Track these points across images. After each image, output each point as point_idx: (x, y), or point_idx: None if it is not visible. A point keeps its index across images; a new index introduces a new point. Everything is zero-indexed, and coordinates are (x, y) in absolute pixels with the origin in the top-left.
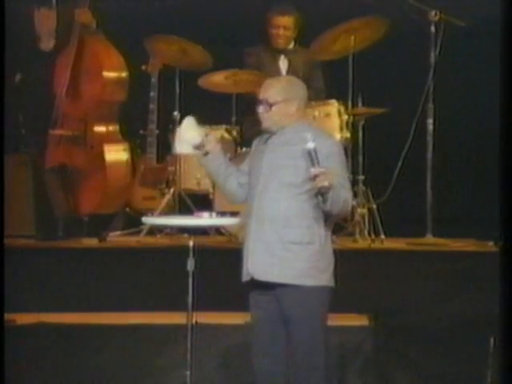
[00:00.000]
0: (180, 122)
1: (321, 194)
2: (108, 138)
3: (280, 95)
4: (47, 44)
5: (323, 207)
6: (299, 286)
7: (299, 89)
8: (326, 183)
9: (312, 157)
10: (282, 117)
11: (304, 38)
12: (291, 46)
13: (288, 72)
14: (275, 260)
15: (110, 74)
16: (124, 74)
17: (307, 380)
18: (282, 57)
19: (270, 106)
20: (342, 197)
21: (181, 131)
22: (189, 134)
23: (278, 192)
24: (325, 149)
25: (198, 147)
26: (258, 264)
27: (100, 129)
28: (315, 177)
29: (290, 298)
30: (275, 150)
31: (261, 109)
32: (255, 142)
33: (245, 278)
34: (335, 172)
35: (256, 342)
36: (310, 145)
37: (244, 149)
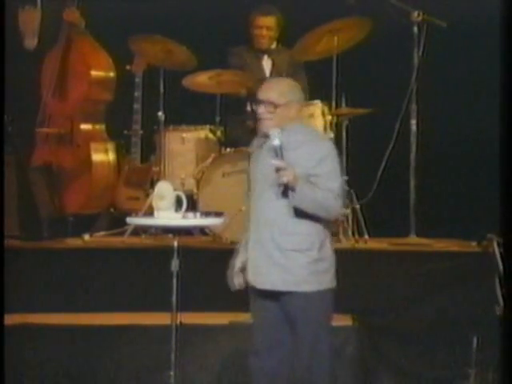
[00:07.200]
0: (165, 122)
1: (288, 188)
2: (94, 137)
3: (285, 97)
4: (31, 42)
5: (292, 202)
6: (301, 293)
7: (299, 91)
8: (284, 179)
9: (277, 153)
10: (283, 119)
11: (287, 38)
12: (274, 46)
13: (271, 72)
14: (275, 268)
15: (97, 74)
16: (111, 74)
17: (312, 381)
18: (266, 57)
19: (275, 107)
20: (314, 199)
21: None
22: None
23: (274, 199)
24: (318, 152)
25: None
26: (258, 272)
27: (86, 128)
28: (278, 170)
29: (292, 304)
30: (269, 156)
31: (262, 109)
32: (253, 145)
33: (249, 284)
34: (311, 172)
35: (259, 343)
36: (276, 142)
37: (228, 149)
